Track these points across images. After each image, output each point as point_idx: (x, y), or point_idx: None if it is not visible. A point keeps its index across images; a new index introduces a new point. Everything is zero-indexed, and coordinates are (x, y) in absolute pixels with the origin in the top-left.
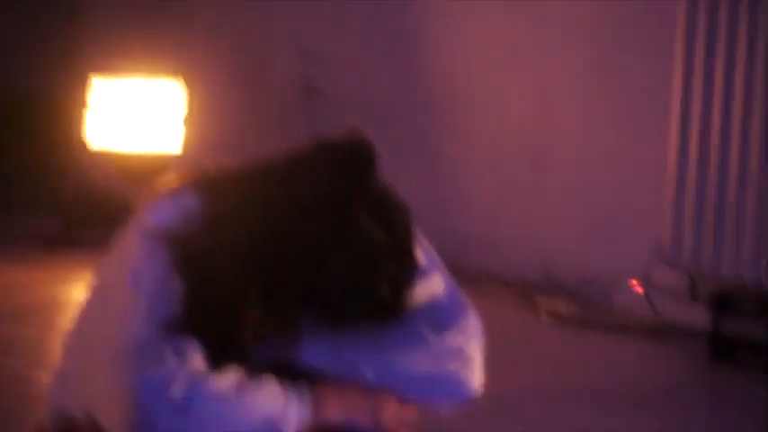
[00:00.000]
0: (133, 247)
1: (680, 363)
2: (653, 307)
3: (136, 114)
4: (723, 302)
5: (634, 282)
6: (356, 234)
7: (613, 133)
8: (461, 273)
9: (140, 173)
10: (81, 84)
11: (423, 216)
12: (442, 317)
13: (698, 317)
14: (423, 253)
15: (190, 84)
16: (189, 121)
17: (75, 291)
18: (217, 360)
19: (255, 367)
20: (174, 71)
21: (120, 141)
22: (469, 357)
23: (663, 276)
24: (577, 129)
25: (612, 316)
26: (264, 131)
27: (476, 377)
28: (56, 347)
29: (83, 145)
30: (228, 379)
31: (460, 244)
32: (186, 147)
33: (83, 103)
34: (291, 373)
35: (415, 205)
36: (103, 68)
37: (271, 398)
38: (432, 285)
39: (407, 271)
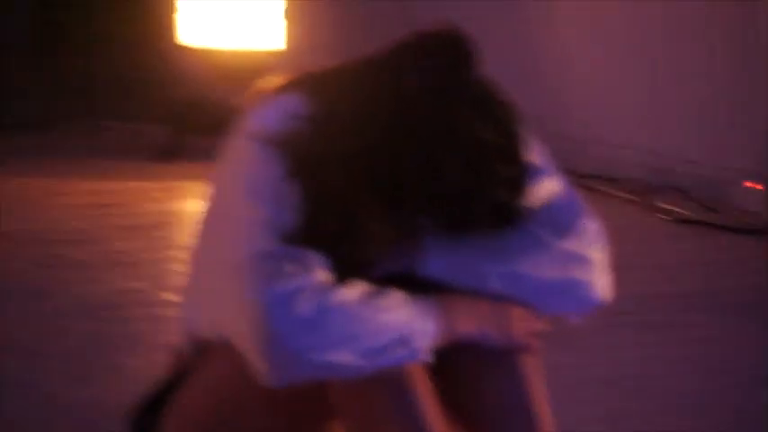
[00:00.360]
0: (244, 154)
1: None
2: None
3: (237, 12)
4: None
5: (751, 182)
6: (462, 132)
7: (724, 32)
8: (575, 176)
9: (243, 71)
10: None
11: (534, 117)
12: (561, 220)
13: None
14: (536, 155)
15: None
16: (290, 17)
17: (192, 203)
18: (341, 273)
19: (379, 280)
20: None
21: (218, 38)
22: (596, 263)
23: None
24: (686, 28)
25: (731, 217)
26: (366, 29)
27: (603, 283)
28: (182, 266)
29: (175, 46)
30: (356, 291)
31: (573, 147)
32: (289, 44)
33: (171, 4)
34: (416, 286)
35: (527, 105)
36: None
37: (401, 310)
38: (548, 188)
39: (521, 172)
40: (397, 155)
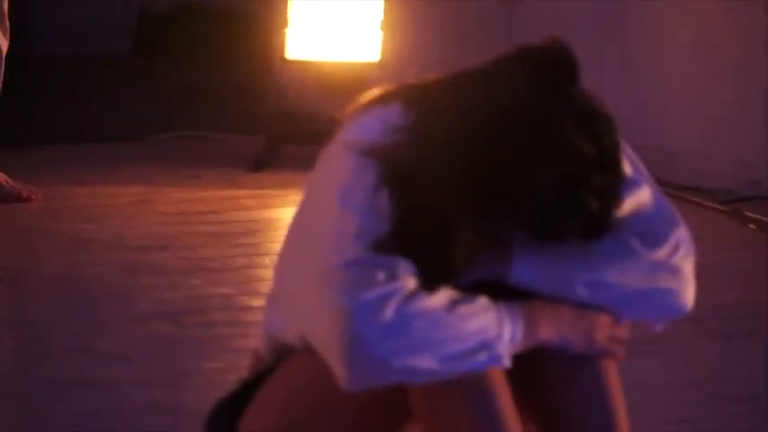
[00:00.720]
0: (340, 163)
1: None
2: None
3: (334, 24)
4: None
5: None
6: (564, 145)
7: None
8: (666, 186)
9: (339, 83)
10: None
11: (626, 128)
12: (651, 230)
13: None
14: (629, 164)
15: None
16: (386, 28)
17: (283, 212)
18: (428, 281)
19: (467, 287)
20: None
21: (319, 51)
22: (682, 271)
23: None
24: None
25: None
26: (462, 42)
27: (688, 292)
28: (267, 272)
29: (282, 58)
30: (440, 297)
31: (664, 157)
32: (384, 55)
33: (283, 20)
34: (502, 293)
35: (618, 117)
36: None
37: (484, 316)
38: (640, 197)
39: (615, 183)
40: (496, 166)
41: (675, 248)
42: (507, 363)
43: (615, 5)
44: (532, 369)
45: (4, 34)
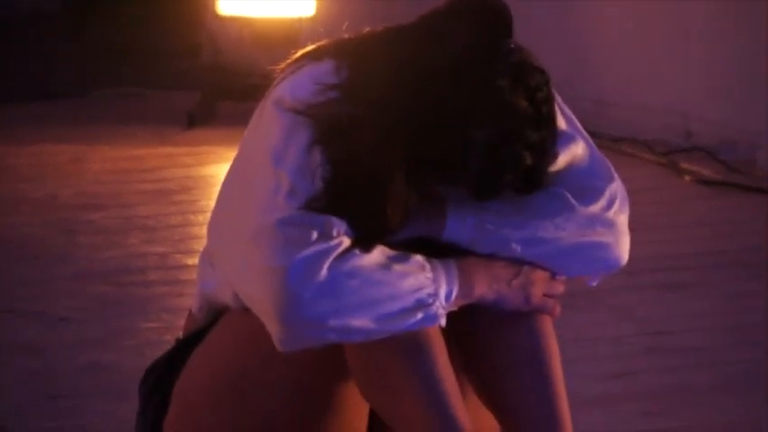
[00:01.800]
0: (272, 121)
1: None
2: None
3: None
4: None
5: None
6: (498, 100)
7: None
8: (601, 138)
9: (274, 38)
10: None
11: (563, 80)
12: (586, 184)
13: None
14: (563, 118)
15: None
16: None
17: (219, 168)
18: (362, 239)
19: (401, 245)
20: None
21: (252, 6)
22: (616, 225)
23: None
24: None
25: (756, 177)
26: None
27: (623, 245)
28: (203, 230)
29: (215, 14)
30: (375, 256)
31: (600, 109)
32: (318, 10)
33: None
34: (437, 250)
35: (555, 69)
36: None
37: (419, 274)
38: (574, 152)
39: (550, 138)
40: (429, 122)
41: (610, 202)
42: (443, 321)
43: None
44: (468, 327)
45: None
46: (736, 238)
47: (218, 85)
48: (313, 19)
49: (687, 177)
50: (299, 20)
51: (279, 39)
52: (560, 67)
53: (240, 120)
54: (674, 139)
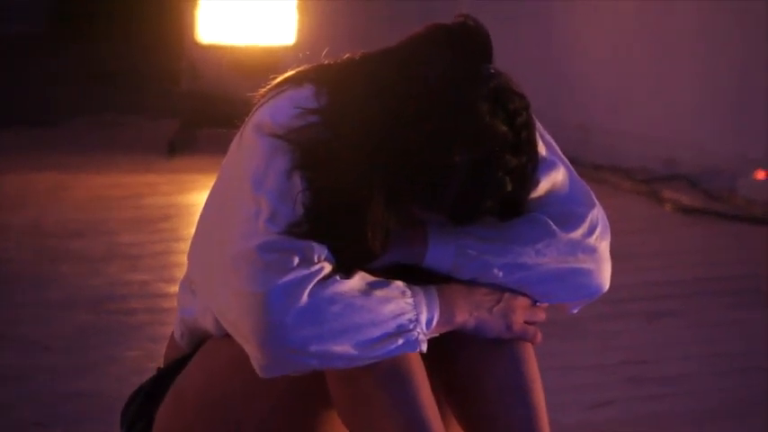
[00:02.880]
0: (252, 146)
1: None
2: None
3: (247, 7)
4: None
5: (757, 171)
6: (478, 125)
7: (731, 19)
8: (582, 165)
9: (255, 65)
10: None
11: (543, 108)
12: (567, 210)
13: None
14: (544, 144)
15: None
16: (302, 10)
17: (199, 196)
18: (344, 265)
19: (383, 271)
20: None
21: (233, 34)
22: (598, 251)
23: None
24: (694, 15)
25: (736, 205)
26: (377, 21)
27: (605, 272)
28: (184, 258)
29: (195, 42)
30: (356, 281)
31: (581, 136)
32: (300, 37)
33: (194, 1)
34: (418, 276)
35: (536, 97)
36: None
37: (400, 300)
38: (555, 178)
39: (531, 164)
40: (409, 148)
41: (591, 229)
42: (424, 347)
43: None
44: (450, 353)
45: None
46: (718, 267)
47: (198, 112)
48: (293, 47)
49: (668, 205)
50: (280, 48)
51: (259, 66)
52: (541, 94)
53: (221, 147)
54: (656, 167)
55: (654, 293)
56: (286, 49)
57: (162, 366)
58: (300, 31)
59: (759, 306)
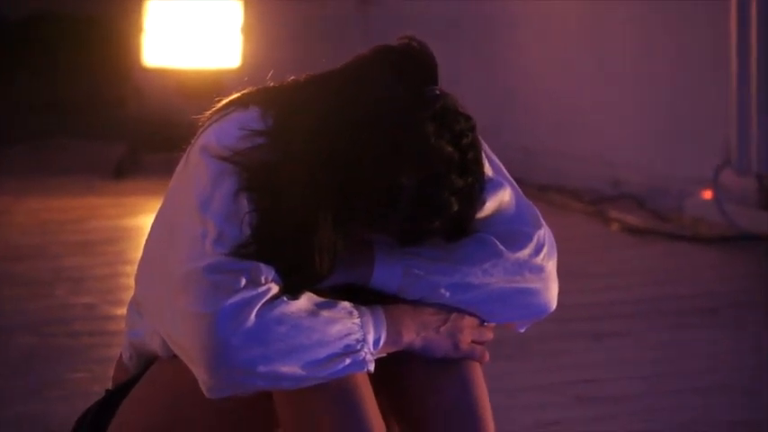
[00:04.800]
0: (198, 169)
1: (753, 271)
2: (724, 215)
3: (192, 31)
4: None
5: (704, 191)
6: (424, 147)
7: (674, 39)
8: (529, 186)
9: (199, 89)
10: (137, 6)
11: (488, 129)
12: (514, 230)
13: None
14: (490, 165)
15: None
16: (246, 33)
17: (145, 219)
18: (291, 286)
19: (330, 292)
20: None
21: (178, 58)
22: (545, 270)
23: (733, 184)
24: (636, 35)
25: (684, 225)
26: (321, 43)
27: (552, 292)
28: (129, 281)
29: (141, 65)
30: (303, 302)
31: (527, 157)
32: (244, 60)
33: (139, 26)
34: (366, 297)
35: (480, 118)
36: None
37: (347, 320)
38: (502, 198)
39: (477, 184)
40: (355, 169)
41: (538, 248)
42: (371, 367)
43: (474, 5)
44: (397, 373)
45: None
46: (665, 287)
47: (144, 136)
48: (238, 70)
49: (614, 226)
50: (225, 71)
51: (204, 90)
52: (487, 115)
53: (166, 171)
54: (602, 187)
55: (601, 313)
56: (231, 72)
57: (110, 388)
58: (245, 54)
59: (705, 326)
